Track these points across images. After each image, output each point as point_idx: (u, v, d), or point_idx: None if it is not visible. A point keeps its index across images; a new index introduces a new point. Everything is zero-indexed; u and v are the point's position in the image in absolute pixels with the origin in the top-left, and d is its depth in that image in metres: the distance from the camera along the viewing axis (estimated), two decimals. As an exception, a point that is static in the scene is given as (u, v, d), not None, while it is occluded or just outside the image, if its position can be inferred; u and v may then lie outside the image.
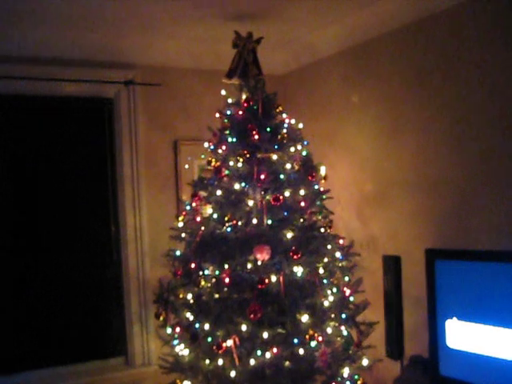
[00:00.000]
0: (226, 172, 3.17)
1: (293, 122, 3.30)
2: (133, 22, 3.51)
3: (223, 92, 3.36)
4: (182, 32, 3.77)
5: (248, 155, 3.08)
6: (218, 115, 3.34)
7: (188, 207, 3.35)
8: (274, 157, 3.12)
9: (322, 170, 3.34)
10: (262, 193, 3.02)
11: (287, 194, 3.05)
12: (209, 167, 3.33)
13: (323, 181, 3.30)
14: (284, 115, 3.35)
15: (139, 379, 4.02)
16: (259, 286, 2.90)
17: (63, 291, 3.94)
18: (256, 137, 3.09)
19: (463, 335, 2.68)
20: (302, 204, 3.06)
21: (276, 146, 3.15)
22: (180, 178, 4.11)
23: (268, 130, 3.19)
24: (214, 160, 3.27)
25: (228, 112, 3.35)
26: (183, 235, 3.35)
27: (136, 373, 4.05)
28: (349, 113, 3.90)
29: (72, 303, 3.96)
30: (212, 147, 3.31)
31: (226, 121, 3.34)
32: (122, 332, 4.05)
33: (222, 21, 3.49)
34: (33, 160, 3.92)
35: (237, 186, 3.07)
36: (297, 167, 3.15)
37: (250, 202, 3.05)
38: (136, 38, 3.81)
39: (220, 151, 3.25)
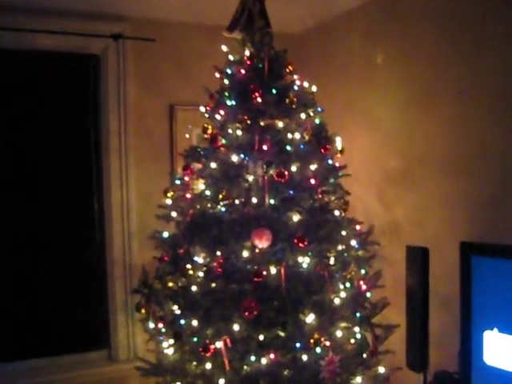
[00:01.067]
0: (223, 141, 2.85)
1: (305, 84, 3.00)
2: None
3: (224, 48, 3.03)
4: None
5: (249, 121, 2.76)
6: (217, 75, 3.03)
7: (178, 182, 3.02)
8: (280, 124, 2.82)
9: (338, 142, 3.00)
10: (265, 167, 2.70)
11: (294, 168, 2.75)
12: (205, 136, 3.01)
13: (339, 155, 3.00)
14: (295, 76, 3.01)
15: (123, 376, 3.69)
16: (256, 279, 2.52)
17: (40, 277, 3.72)
18: (259, 100, 2.76)
19: (506, 351, 2.24)
20: (312, 181, 2.77)
21: (283, 112, 2.84)
22: (176, 149, 3.84)
23: (274, 91, 2.85)
24: (210, 127, 2.99)
25: (228, 71, 3.02)
26: (173, 214, 3.03)
27: (119, 369, 3.75)
28: (372, 76, 3.61)
29: (50, 289, 3.74)
30: (209, 112, 3.05)
31: (225, 81, 3.01)
32: (105, 323, 3.82)
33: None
34: (4, 124, 3.63)
35: (235, 158, 2.77)
36: (307, 137, 2.87)
37: (250, 178, 2.75)
38: None
39: (218, 117, 2.96)
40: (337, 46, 3.96)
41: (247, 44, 3.03)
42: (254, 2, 3.12)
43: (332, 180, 2.92)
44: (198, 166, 3.00)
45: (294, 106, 2.84)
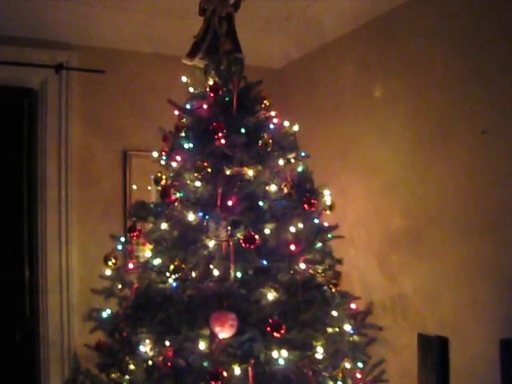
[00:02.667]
0: (178, 195, 2.49)
1: (285, 123, 2.74)
2: None
3: (184, 79, 2.77)
4: (138, 2, 3.38)
5: (210, 169, 2.43)
6: (176, 112, 2.73)
7: (119, 247, 2.65)
8: (251, 173, 2.52)
9: (327, 196, 2.69)
10: (229, 228, 2.38)
11: (268, 231, 2.42)
12: (157, 187, 2.66)
13: (328, 212, 2.70)
14: (272, 113, 2.71)
15: None
16: (212, 382, 2.01)
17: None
18: (223, 141, 2.45)
19: None
20: (293, 247, 2.43)
21: (255, 157, 2.54)
22: (130, 203, 3.53)
23: (243, 131, 2.54)
24: (164, 177, 2.66)
25: (188, 106, 2.73)
26: (119, 287, 2.64)
27: None
28: (368, 113, 3.38)
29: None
30: (163, 158, 2.76)
31: (183, 120, 2.72)
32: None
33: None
34: None
35: (191, 217, 2.43)
36: (286, 190, 2.59)
37: (211, 243, 2.40)
38: (72, 7, 3.35)
39: (174, 164, 2.65)
40: (325, 79, 3.78)
41: (211, 72, 2.70)
42: (220, 20, 2.83)
43: (319, 245, 2.58)
44: (148, 226, 2.63)
45: (268, 150, 2.55)
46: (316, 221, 2.59)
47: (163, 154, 2.72)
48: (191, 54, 2.79)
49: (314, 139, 3.47)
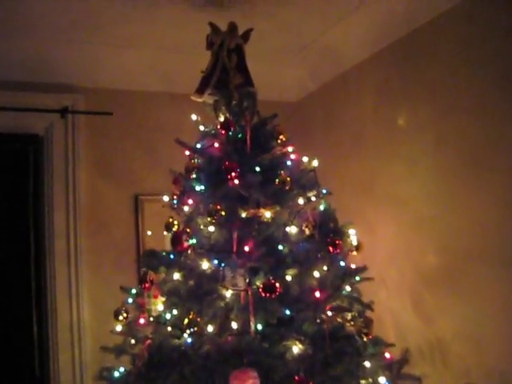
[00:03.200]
0: (190, 241, 2.33)
1: (304, 159, 2.60)
2: (73, 25, 3.07)
3: (194, 117, 2.67)
4: (144, 39, 3.29)
5: (223, 212, 2.29)
6: (187, 153, 2.63)
7: (130, 300, 2.49)
8: (268, 214, 2.36)
9: (353, 236, 2.52)
10: (247, 276, 2.24)
11: (289, 277, 2.26)
12: (168, 233, 2.54)
13: (355, 253, 2.54)
14: (289, 149, 2.58)
15: None
16: None
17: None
18: (236, 181, 2.32)
19: None
20: (318, 294, 2.25)
21: (272, 197, 2.39)
22: (144, 250, 3.35)
23: (258, 169, 2.42)
24: (176, 222, 2.55)
25: (198, 146, 2.61)
26: (132, 342, 2.49)
27: None
28: (393, 143, 3.24)
29: None
30: (175, 201, 2.64)
31: (194, 160, 2.59)
32: None
33: (203, 16, 2.85)
34: None
35: (205, 266, 2.29)
36: (308, 231, 2.45)
37: (227, 293, 2.25)
38: (78, 49, 3.31)
39: (186, 208, 2.52)
40: (345, 109, 3.63)
41: (221, 109, 2.59)
42: (229, 53, 2.73)
43: (346, 289, 2.40)
44: (161, 276, 2.49)
45: (287, 188, 2.41)
46: (342, 263, 2.44)
47: (174, 197, 2.60)
48: (200, 90, 2.69)
49: (336, 175, 3.34)
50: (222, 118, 2.54)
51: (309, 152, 2.66)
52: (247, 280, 2.22)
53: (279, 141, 2.58)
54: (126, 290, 2.56)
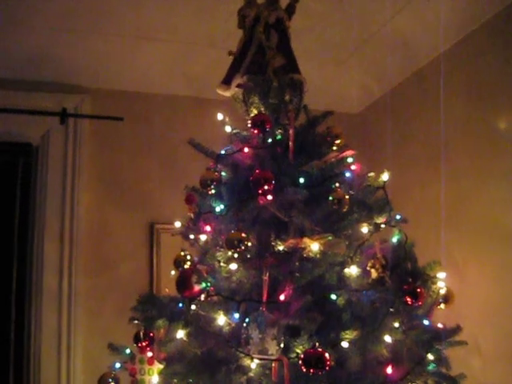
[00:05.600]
0: (203, 285, 1.80)
1: (370, 174, 2.14)
2: (76, 11, 2.74)
3: (220, 116, 2.22)
4: (165, 30, 2.97)
5: (250, 243, 1.79)
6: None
7: (117, 365, 1.97)
8: (316, 247, 1.83)
9: (441, 281, 1.96)
10: (282, 339, 1.68)
11: (346, 343, 1.71)
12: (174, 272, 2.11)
13: (442, 306, 1.99)
14: (349, 160, 2.07)
15: None
16: None
17: None
18: (269, 197, 1.82)
19: None
20: (390, 370, 1.73)
21: (322, 222, 1.91)
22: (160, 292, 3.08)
23: (301, 181, 1.90)
24: (189, 257, 2.08)
25: (222, 152, 2.13)
26: None
27: None
28: (488, 157, 2.81)
29: None
30: (189, 230, 2.20)
31: (216, 171, 2.10)
32: None
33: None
34: None
35: (221, 321, 1.77)
36: (376, 273, 1.91)
37: (252, 364, 1.71)
38: (82, 41, 3.02)
39: (203, 237, 2.06)
40: (421, 116, 3.21)
41: (254, 101, 2.09)
42: (268, 30, 2.21)
43: (432, 362, 1.81)
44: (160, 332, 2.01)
45: (344, 211, 1.88)
46: (426, 322, 1.87)
47: (189, 223, 2.11)
48: (227, 80, 2.20)
49: (409, 200, 2.89)
50: (254, 112, 2.04)
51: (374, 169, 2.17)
52: (282, 345, 1.66)
53: (335, 147, 2.05)
54: (116, 350, 2.02)
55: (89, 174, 3.14)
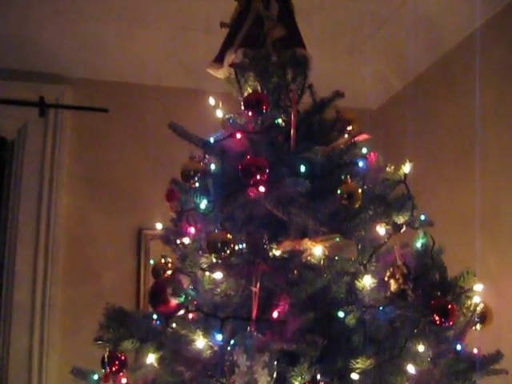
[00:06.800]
0: (181, 298, 1.51)
1: (389, 169, 1.86)
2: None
3: (212, 101, 1.96)
4: (160, 14, 2.81)
5: (236, 247, 1.52)
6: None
7: None
8: (319, 250, 1.52)
9: (477, 297, 1.64)
10: (275, 367, 1.40)
11: (356, 375, 1.42)
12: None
13: (478, 327, 1.67)
14: (363, 150, 1.80)
15: None
16: None
17: None
18: (262, 189, 1.53)
19: None
20: None
21: (329, 222, 1.61)
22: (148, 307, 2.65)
23: (303, 170, 1.62)
24: (170, 265, 1.81)
25: (211, 140, 1.85)
26: None
27: None
28: None
29: None
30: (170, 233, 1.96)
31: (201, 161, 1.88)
32: None
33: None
34: None
35: (200, 344, 1.47)
36: (396, 285, 1.57)
37: None
38: (65, 26, 2.87)
39: (186, 240, 1.79)
40: (448, 107, 2.92)
41: (249, 79, 1.84)
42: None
43: None
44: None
45: (356, 207, 1.59)
46: (458, 347, 1.56)
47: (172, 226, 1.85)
48: (219, 57, 1.96)
49: (435, 203, 2.59)
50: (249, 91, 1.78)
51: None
52: (275, 376, 1.35)
53: (346, 135, 1.76)
54: (81, 375, 1.73)
55: (69, 171, 2.93)
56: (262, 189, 1.45)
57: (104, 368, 1.69)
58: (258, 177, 1.50)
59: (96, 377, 1.72)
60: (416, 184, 1.85)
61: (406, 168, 1.72)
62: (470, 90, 2.70)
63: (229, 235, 1.43)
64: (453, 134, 2.87)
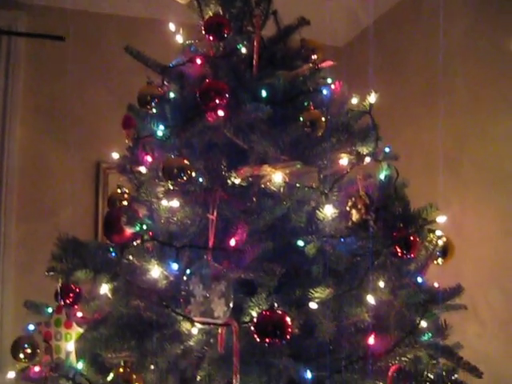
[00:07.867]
0: (137, 228, 1.46)
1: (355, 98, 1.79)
2: None
3: (172, 27, 1.91)
4: None
5: (194, 173, 1.46)
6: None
7: (31, 327, 1.63)
8: (279, 177, 1.49)
9: (439, 231, 1.60)
10: (234, 298, 1.37)
11: (315, 304, 1.41)
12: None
13: (440, 261, 1.61)
14: (328, 80, 1.73)
15: None
16: None
17: None
18: (221, 113, 1.48)
19: None
20: (372, 341, 1.39)
21: (288, 149, 1.55)
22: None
23: (264, 94, 1.55)
24: (126, 195, 1.75)
25: (171, 65, 1.78)
26: None
27: None
28: (498, 87, 2.45)
29: None
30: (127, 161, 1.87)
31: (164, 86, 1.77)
32: None
33: None
34: None
35: (155, 273, 1.43)
36: (357, 216, 1.54)
37: (193, 330, 1.39)
38: None
39: (143, 169, 1.73)
40: (415, 43, 2.91)
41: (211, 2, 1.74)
42: None
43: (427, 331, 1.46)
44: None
45: (319, 135, 1.53)
46: (419, 279, 1.53)
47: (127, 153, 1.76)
48: None
49: (401, 140, 2.48)
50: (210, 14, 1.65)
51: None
52: (231, 306, 1.33)
53: (311, 64, 1.66)
54: (35, 308, 1.66)
55: (24, 104, 2.79)
56: (221, 113, 1.37)
57: (57, 300, 1.66)
58: (217, 101, 1.43)
59: (50, 310, 1.70)
60: (381, 120, 1.79)
61: (372, 98, 1.65)
62: (437, 26, 2.62)
63: (185, 161, 1.37)
64: (419, 71, 2.82)
